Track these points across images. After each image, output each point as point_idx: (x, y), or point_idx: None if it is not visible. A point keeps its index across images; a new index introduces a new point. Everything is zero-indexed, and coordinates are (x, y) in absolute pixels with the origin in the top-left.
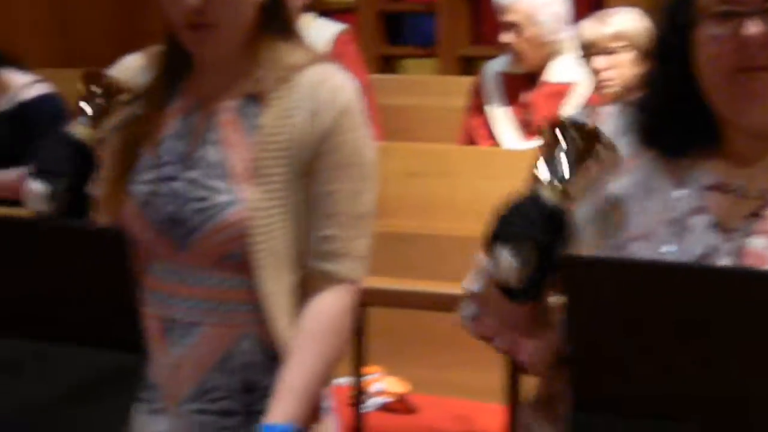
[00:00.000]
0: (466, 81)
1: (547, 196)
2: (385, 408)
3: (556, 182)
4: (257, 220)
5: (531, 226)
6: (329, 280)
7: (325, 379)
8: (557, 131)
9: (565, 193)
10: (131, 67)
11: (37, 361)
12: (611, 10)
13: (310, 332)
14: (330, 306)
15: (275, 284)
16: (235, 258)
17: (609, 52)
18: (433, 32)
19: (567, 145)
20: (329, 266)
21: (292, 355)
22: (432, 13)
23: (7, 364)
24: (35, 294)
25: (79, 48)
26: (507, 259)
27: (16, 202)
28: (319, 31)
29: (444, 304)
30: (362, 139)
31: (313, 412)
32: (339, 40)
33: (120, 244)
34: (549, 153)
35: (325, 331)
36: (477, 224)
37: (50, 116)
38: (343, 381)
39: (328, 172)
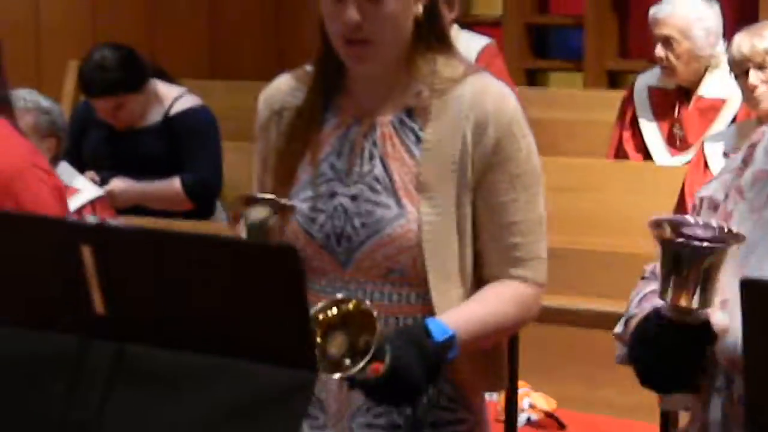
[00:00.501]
0: (613, 95)
1: (690, 320)
2: (534, 424)
3: (696, 306)
4: (424, 233)
5: (684, 362)
6: (521, 283)
7: (494, 334)
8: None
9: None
10: (283, 88)
11: (209, 376)
12: (766, 23)
13: (494, 292)
14: (516, 288)
15: (442, 297)
16: (401, 272)
17: (763, 66)
18: (580, 46)
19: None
20: (520, 272)
21: (472, 299)
22: (579, 26)
23: (180, 378)
24: (209, 309)
25: (225, 61)
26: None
27: (170, 213)
28: (466, 44)
29: (594, 320)
30: (531, 145)
31: (471, 355)
32: (485, 54)
33: (295, 261)
34: (676, 274)
35: (508, 299)
36: (627, 240)
37: (200, 128)
38: (494, 396)
39: (504, 182)
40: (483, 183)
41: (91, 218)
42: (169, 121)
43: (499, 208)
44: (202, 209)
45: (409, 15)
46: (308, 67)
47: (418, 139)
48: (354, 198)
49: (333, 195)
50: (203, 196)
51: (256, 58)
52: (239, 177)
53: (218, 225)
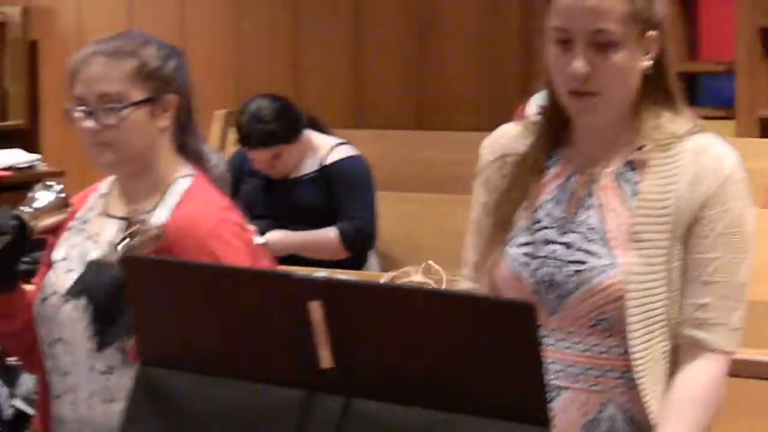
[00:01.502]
0: (766, 143)
1: None
2: None
3: None
4: (633, 284)
5: None
6: (703, 348)
7: None
8: None
9: None
10: (509, 135)
11: (441, 431)
12: None
13: (681, 402)
14: (702, 376)
15: (646, 351)
16: (607, 323)
17: None
18: (731, 93)
19: None
20: (704, 335)
21: (663, 423)
22: (730, 73)
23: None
24: (438, 364)
25: (369, 111)
26: None
27: (321, 263)
28: None
29: None
30: (745, 208)
31: None
32: None
33: (531, 316)
34: None
35: (696, 401)
36: None
37: (356, 177)
38: None
39: (708, 239)
40: (690, 237)
41: (321, 273)
42: (325, 170)
43: (697, 265)
44: (357, 258)
45: (637, 68)
46: (534, 117)
47: (635, 191)
48: (568, 246)
49: (547, 242)
50: (359, 245)
51: (400, 108)
52: (387, 225)
53: (377, 274)
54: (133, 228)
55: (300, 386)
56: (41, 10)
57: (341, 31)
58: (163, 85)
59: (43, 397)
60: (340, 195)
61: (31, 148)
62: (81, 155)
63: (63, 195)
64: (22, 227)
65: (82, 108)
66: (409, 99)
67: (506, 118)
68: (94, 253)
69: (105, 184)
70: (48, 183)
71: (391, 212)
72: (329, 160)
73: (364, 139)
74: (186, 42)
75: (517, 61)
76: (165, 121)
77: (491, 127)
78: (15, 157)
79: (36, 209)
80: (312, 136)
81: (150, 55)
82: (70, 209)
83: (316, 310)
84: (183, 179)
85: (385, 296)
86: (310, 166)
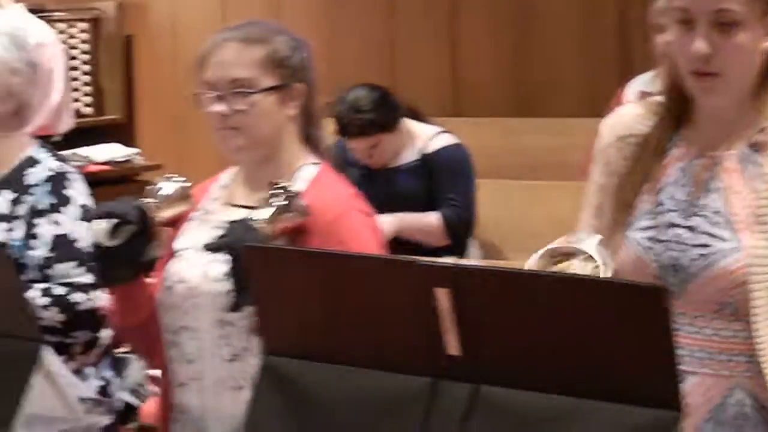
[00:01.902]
0: None
1: None
2: None
3: None
4: (758, 267)
5: None
6: None
7: None
8: None
9: None
10: (630, 115)
11: (568, 418)
12: None
13: None
14: None
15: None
16: (732, 307)
17: None
18: None
19: None
20: None
21: None
22: None
23: (536, 420)
24: (566, 349)
25: (467, 99)
26: None
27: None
28: None
29: None
30: None
31: None
32: None
33: (664, 299)
34: None
35: None
36: None
37: (457, 165)
38: None
39: None
40: None
41: (447, 258)
42: (426, 158)
43: None
44: (456, 246)
45: (760, 49)
46: (658, 97)
47: (760, 173)
48: (692, 229)
49: (671, 226)
50: (460, 232)
51: (498, 95)
52: (488, 213)
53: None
54: (283, 193)
55: (427, 374)
56: (135, 5)
57: (438, 17)
58: (292, 73)
59: (165, 386)
60: (441, 182)
61: (127, 142)
62: (177, 148)
63: (186, 186)
64: (145, 218)
65: (213, 92)
66: (507, 86)
67: (605, 104)
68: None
69: (226, 175)
70: (170, 175)
71: (492, 200)
72: (430, 148)
73: (461, 128)
74: None
75: (616, 46)
76: (293, 109)
77: (590, 112)
78: (113, 151)
79: (159, 200)
80: (411, 125)
81: (281, 43)
82: (191, 200)
83: (443, 296)
84: (309, 166)
85: (512, 281)
86: (410, 155)
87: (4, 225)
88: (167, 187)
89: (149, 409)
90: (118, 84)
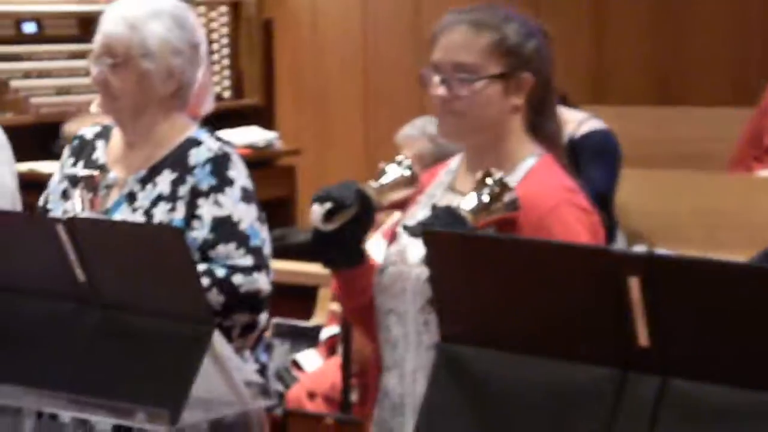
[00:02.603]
0: None
1: None
2: None
3: None
4: None
5: None
6: None
7: None
8: None
9: None
10: None
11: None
12: None
13: None
14: None
15: None
16: None
17: None
18: None
19: None
20: None
21: None
22: None
23: (726, 415)
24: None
25: (610, 87)
26: None
27: None
28: None
29: None
30: None
31: None
32: None
33: None
34: None
35: None
36: None
37: (603, 148)
38: None
39: None
40: None
41: (640, 247)
42: (574, 143)
43: None
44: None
45: None
46: None
47: None
48: None
49: None
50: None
51: (643, 83)
52: (634, 202)
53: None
54: (494, 185)
55: (614, 365)
56: None
57: (582, 3)
58: (521, 62)
59: (374, 369)
60: (584, 163)
61: (266, 126)
62: (316, 133)
63: (411, 170)
64: (367, 201)
65: (437, 74)
66: (651, 74)
67: (753, 94)
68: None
69: (455, 160)
70: (398, 158)
71: (639, 189)
72: (578, 133)
73: (605, 115)
74: (422, 16)
75: (762, 35)
76: (518, 99)
77: (736, 102)
78: (253, 135)
79: (382, 184)
80: (560, 110)
81: (511, 30)
82: (417, 184)
83: (635, 286)
84: (530, 158)
85: (709, 271)
86: None
87: (165, 205)
88: (392, 170)
89: (295, 393)
90: (257, 68)
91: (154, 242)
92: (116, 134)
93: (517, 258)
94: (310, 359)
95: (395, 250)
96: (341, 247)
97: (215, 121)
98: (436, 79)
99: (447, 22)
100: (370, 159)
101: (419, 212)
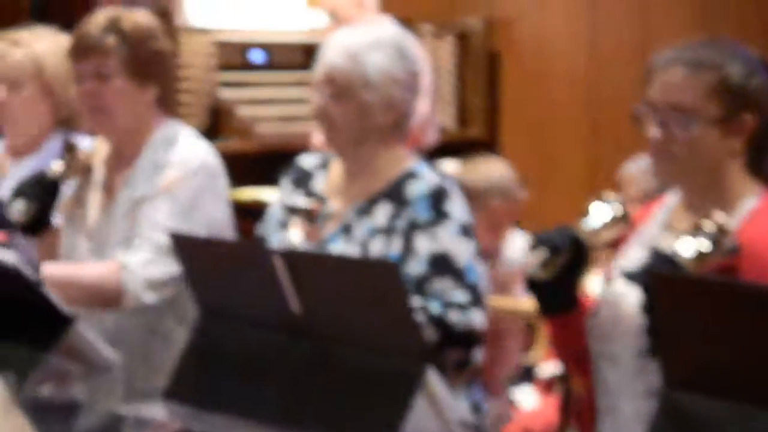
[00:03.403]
0: None
1: None
2: None
3: None
4: None
5: None
6: None
7: None
8: None
9: None
10: None
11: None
12: None
13: None
14: None
15: None
16: None
17: None
18: None
19: None
20: None
21: None
22: None
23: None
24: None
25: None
26: None
27: None
28: None
29: None
30: None
31: None
32: None
33: None
34: None
35: None
36: None
37: None
38: None
39: None
40: None
41: None
42: None
43: None
44: None
45: None
46: None
47: None
48: None
49: None
50: None
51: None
52: None
53: None
54: (712, 232)
55: None
56: (503, 20)
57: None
58: (742, 103)
59: (588, 412)
60: None
61: None
62: (538, 167)
63: (622, 208)
64: (581, 245)
65: (652, 113)
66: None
67: None
68: (668, 245)
69: (671, 197)
70: (605, 196)
71: None
72: None
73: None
74: (649, 48)
75: None
76: (737, 142)
77: None
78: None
79: (595, 225)
80: None
81: (734, 70)
82: (628, 221)
83: None
84: (751, 198)
85: None
86: None
87: (382, 239)
88: (601, 210)
89: None
90: (482, 100)
91: (370, 277)
92: (336, 164)
93: (749, 304)
94: (527, 396)
95: (610, 293)
96: (557, 293)
97: (438, 153)
98: (652, 118)
99: (665, 59)
100: (591, 193)
101: (634, 253)
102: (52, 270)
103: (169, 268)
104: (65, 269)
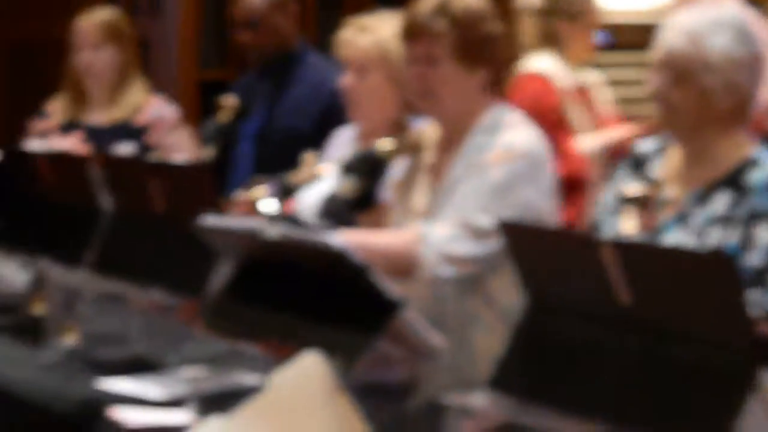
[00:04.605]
0: None
1: None
2: None
3: None
4: None
5: None
6: None
7: None
8: None
9: None
10: None
11: None
12: None
13: None
14: None
15: None
16: None
17: None
18: None
19: None
20: None
21: None
22: None
23: None
24: None
25: None
26: None
27: None
28: None
29: None
30: None
31: None
32: None
33: None
34: None
35: None
36: None
37: None
38: None
39: None
40: None
41: None
42: None
43: None
44: None
45: None
46: None
47: None
48: None
49: None
50: None
51: None
52: None
53: None
54: None
55: None
56: None
57: None
58: None
59: None
60: None
61: None
62: None
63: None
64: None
65: None
66: None
67: None
68: None
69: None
70: None
71: None
72: None
73: None
74: None
75: None
76: None
77: None
78: None
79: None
80: None
81: None
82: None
83: None
84: None
85: None
86: None
87: (720, 228)
88: None
89: None
90: None
91: (703, 269)
92: (674, 149)
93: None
94: None
95: None
96: None
97: None
98: None
99: None
100: None
101: None
102: (348, 236)
103: (472, 246)
104: (362, 235)
